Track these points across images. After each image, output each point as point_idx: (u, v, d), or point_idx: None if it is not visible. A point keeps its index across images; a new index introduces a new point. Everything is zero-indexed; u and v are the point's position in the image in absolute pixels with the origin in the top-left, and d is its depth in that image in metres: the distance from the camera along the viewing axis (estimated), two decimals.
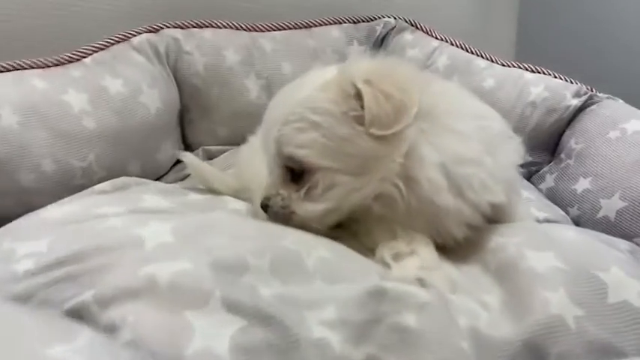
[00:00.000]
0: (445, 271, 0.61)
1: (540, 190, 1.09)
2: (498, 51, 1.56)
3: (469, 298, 0.56)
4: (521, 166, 1.12)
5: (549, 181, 1.09)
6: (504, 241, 0.62)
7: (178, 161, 1.05)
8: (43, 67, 0.89)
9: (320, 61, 1.13)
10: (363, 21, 1.24)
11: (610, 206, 0.92)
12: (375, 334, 0.45)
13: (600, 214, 0.93)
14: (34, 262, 0.49)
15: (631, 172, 0.92)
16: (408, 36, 1.22)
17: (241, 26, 1.10)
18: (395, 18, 1.24)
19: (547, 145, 1.14)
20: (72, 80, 0.89)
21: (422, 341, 0.44)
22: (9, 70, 0.85)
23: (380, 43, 1.23)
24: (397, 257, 0.60)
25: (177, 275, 0.43)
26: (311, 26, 1.17)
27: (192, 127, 1.11)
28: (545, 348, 0.47)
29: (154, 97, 0.97)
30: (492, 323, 0.50)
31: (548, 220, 0.89)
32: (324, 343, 0.41)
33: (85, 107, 0.88)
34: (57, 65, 0.91)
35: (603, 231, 0.91)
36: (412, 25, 1.24)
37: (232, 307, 0.41)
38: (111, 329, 0.42)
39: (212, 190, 0.85)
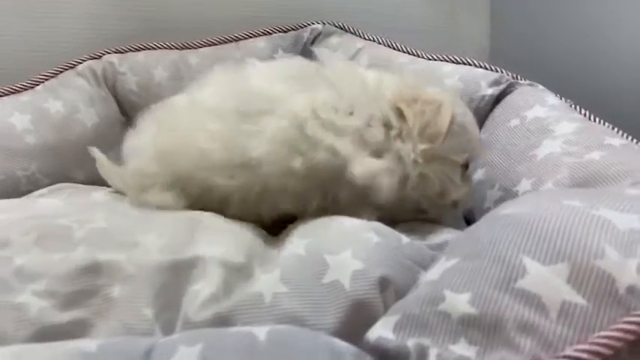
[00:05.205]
0: None
1: None
2: (470, 48, 1.54)
3: None
4: None
5: None
6: None
7: None
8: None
9: None
10: (293, 29, 1.30)
11: (491, 197, 0.89)
12: (87, 303, 0.55)
13: (485, 205, 0.91)
14: None
15: (515, 161, 0.89)
16: (335, 40, 1.26)
17: (174, 45, 1.24)
18: (323, 23, 1.29)
19: None
20: (19, 104, 1.09)
21: (119, 307, 0.54)
22: None
23: (307, 49, 1.29)
24: None
25: None
26: (240, 39, 1.27)
27: None
28: (234, 321, 0.53)
29: (92, 114, 1.15)
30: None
31: None
32: (23, 306, 0.52)
33: (27, 126, 1.08)
34: (12, 93, 1.12)
35: None
36: (341, 29, 1.28)
37: None
38: None
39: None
